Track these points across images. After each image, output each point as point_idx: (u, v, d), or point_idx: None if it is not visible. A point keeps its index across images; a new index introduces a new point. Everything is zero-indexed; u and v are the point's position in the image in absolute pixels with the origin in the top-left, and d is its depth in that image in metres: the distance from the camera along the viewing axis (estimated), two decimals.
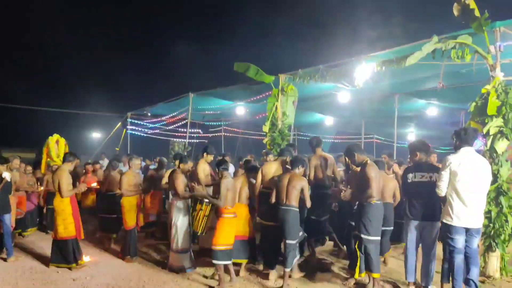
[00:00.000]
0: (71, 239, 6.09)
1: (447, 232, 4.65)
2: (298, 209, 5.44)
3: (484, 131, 5.61)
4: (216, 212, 5.61)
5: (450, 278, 4.79)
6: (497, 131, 5.55)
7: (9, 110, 19.82)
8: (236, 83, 11.30)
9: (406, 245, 5.06)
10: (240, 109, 13.76)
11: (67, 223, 6.07)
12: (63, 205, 6.09)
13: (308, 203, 5.53)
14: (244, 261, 5.89)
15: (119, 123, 15.90)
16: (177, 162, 6.47)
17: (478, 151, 5.13)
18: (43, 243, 7.44)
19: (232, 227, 5.51)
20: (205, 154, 6.98)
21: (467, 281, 4.63)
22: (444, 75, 7.15)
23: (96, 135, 24.57)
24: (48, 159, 10.55)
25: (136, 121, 15.83)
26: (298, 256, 5.64)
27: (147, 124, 15.98)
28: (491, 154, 5.62)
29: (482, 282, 5.36)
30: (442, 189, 4.68)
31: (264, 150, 9.42)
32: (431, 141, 18.36)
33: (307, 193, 5.49)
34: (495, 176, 5.51)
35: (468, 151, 4.67)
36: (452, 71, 7.90)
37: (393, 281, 5.57)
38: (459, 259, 4.61)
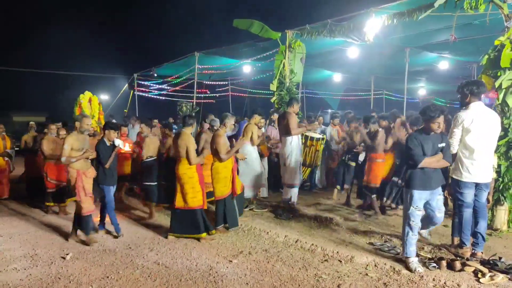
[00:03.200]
0: (200, 208, 5.71)
1: (456, 187, 4.70)
2: None
3: (496, 84, 5.50)
4: None
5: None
6: (510, 84, 5.43)
7: (15, 74, 19.80)
8: (242, 41, 11.08)
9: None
10: (247, 68, 13.58)
11: (196, 191, 5.67)
12: (191, 172, 5.65)
13: None
14: None
15: (126, 85, 15.84)
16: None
17: (488, 105, 5.06)
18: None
19: None
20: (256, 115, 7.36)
21: (474, 234, 4.72)
22: (457, 27, 6.91)
23: (103, 97, 24.55)
24: None
25: (142, 82, 15.75)
26: None
27: (154, 85, 15.90)
28: (502, 108, 5.53)
29: (489, 235, 5.46)
30: (455, 146, 4.66)
31: (271, 110, 9.38)
32: (442, 95, 18.21)
33: None
34: (506, 130, 5.46)
35: (479, 106, 4.60)
36: (464, 23, 7.62)
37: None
38: (467, 213, 4.68)
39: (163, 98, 16.42)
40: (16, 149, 9.03)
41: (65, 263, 4.82)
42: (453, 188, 4.79)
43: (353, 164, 7.68)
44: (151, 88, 16.05)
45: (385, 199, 6.73)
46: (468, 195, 4.63)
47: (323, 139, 8.15)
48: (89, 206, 5.51)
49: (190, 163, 5.59)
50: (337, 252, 5.07)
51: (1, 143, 8.31)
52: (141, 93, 15.92)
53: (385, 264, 4.64)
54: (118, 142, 6.06)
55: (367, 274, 4.41)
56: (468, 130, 4.53)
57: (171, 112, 16.86)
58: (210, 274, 4.46)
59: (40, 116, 24.82)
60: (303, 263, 4.78)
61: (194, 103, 13.45)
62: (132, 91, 15.63)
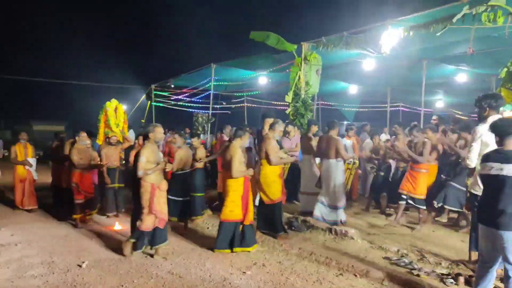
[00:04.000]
0: (232, 222, 5.62)
1: (475, 202, 4.61)
2: None
3: None
4: None
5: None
6: None
7: (35, 83, 20.32)
8: (258, 53, 11.17)
9: None
10: (263, 79, 13.65)
11: (235, 205, 5.62)
12: (236, 185, 5.62)
13: None
14: None
15: (144, 95, 16.08)
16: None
17: None
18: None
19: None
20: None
21: None
22: (475, 40, 6.85)
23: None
24: (107, 129, 9.04)
25: (160, 93, 15.98)
26: None
27: (171, 96, 16.10)
28: None
29: None
30: (473, 160, 4.60)
31: (287, 121, 9.39)
32: (461, 108, 17.94)
33: None
34: None
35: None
36: (483, 35, 7.54)
37: None
38: None
39: (180, 109, 16.61)
40: (36, 157, 8.93)
41: (81, 271, 4.88)
42: (471, 203, 4.71)
43: (382, 174, 8.12)
44: (168, 98, 16.26)
45: (435, 202, 6.72)
46: None
47: (354, 163, 8.33)
48: (149, 224, 5.27)
49: (232, 175, 5.56)
50: (352, 266, 5.02)
51: (23, 151, 8.27)
52: (158, 104, 16.14)
53: (401, 278, 4.56)
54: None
55: None
56: (487, 144, 4.46)
57: (187, 123, 17.06)
58: (223, 285, 4.45)
59: (59, 125, 25.38)
60: (317, 276, 4.73)
61: (210, 114, 13.56)
62: (149, 102, 15.85)
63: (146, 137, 5.53)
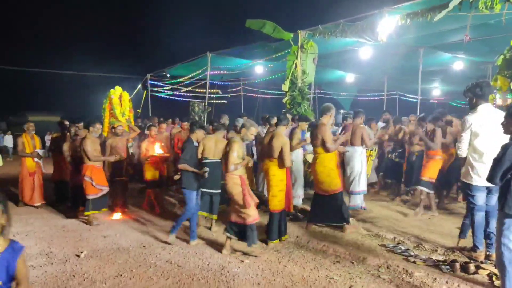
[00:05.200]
0: (283, 210, 5.59)
1: (468, 191, 4.66)
2: None
3: None
4: None
5: (469, 234, 4.85)
6: None
7: (30, 74, 20.15)
8: (254, 41, 11.11)
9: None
10: (259, 68, 13.60)
11: (283, 195, 5.55)
12: (282, 175, 5.52)
13: None
14: None
15: (139, 85, 15.99)
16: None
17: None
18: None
19: None
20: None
21: (488, 235, 4.66)
22: (471, 27, 6.84)
23: None
24: (112, 119, 8.51)
25: (156, 83, 15.89)
26: None
27: (167, 86, 16.02)
28: None
29: None
30: (464, 150, 4.65)
31: (283, 110, 9.38)
32: (457, 97, 17.97)
33: None
34: None
35: (486, 108, 4.54)
36: (479, 23, 7.53)
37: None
38: (479, 216, 4.62)
39: (176, 98, 16.54)
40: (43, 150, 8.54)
41: (79, 261, 4.90)
42: (464, 191, 4.75)
43: (397, 160, 8.39)
44: (164, 88, 16.18)
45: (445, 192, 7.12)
46: (480, 198, 4.58)
47: (374, 150, 8.35)
48: (255, 214, 5.08)
49: (284, 165, 5.40)
50: (349, 253, 5.06)
51: (31, 143, 7.72)
52: (154, 94, 16.06)
53: (397, 266, 4.61)
54: (157, 148, 6.35)
55: (379, 276, 4.38)
56: (476, 134, 4.48)
57: (183, 113, 16.98)
58: (222, 274, 4.49)
59: (54, 116, 25.24)
60: (314, 264, 4.77)
61: (206, 104, 13.52)
62: (145, 92, 15.77)
63: (237, 132, 5.54)
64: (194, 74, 14.04)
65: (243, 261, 4.87)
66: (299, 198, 7.37)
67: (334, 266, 4.69)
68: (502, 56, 5.67)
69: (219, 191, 6.16)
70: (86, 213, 6.50)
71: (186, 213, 5.57)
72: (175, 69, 14.94)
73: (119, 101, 8.53)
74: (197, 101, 14.46)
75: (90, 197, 6.45)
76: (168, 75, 15.66)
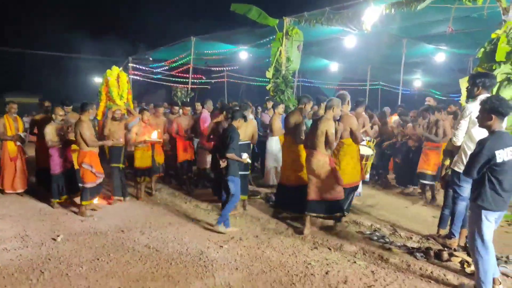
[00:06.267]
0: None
1: (456, 180, 4.66)
2: None
3: None
4: None
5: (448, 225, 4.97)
6: (504, 78, 5.44)
7: (8, 54, 19.52)
8: (239, 27, 11.00)
9: (484, 242, 3.58)
10: (243, 54, 13.51)
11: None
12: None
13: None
14: None
15: (121, 68, 15.68)
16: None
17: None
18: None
19: None
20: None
21: (464, 225, 4.75)
22: (454, 19, 6.92)
23: (97, 80, 24.34)
24: (109, 102, 7.75)
25: (137, 66, 15.60)
26: None
27: (149, 69, 15.76)
28: None
29: None
30: (459, 138, 4.58)
31: (267, 97, 9.34)
32: (438, 88, 18.23)
33: None
34: None
35: None
36: (462, 15, 7.61)
37: None
38: (462, 206, 4.69)
39: (158, 82, 16.30)
40: (26, 133, 7.65)
41: (55, 245, 4.83)
42: (452, 180, 4.77)
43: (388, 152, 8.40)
44: (146, 72, 15.91)
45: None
46: (466, 190, 4.54)
47: (373, 155, 7.71)
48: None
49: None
50: (327, 240, 5.13)
51: (13, 125, 7.04)
52: (135, 77, 15.78)
53: (373, 252, 4.70)
54: (154, 135, 6.16)
55: (355, 262, 4.46)
56: (475, 122, 4.46)
57: (166, 97, 16.79)
58: (200, 259, 4.49)
59: (34, 97, 24.59)
60: (293, 250, 4.82)
61: (189, 89, 13.38)
62: (126, 75, 15.47)
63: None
64: (177, 58, 13.85)
65: (222, 246, 4.88)
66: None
67: (312, 252, 4.74)
68: (482, 49, 5.74)
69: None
70: (84, 202, 6.05)
71: (234, 199, 5.49)
72: (158, 53, 14.70)
73: (117, 83, 7.73)
74: (180, 86, 14.31)
75: (88, 185, 6.04)
76: (151, 59, 15.40)
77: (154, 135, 7.01)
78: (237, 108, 6.58)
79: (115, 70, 7.90)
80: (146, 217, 6.04)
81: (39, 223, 5.66)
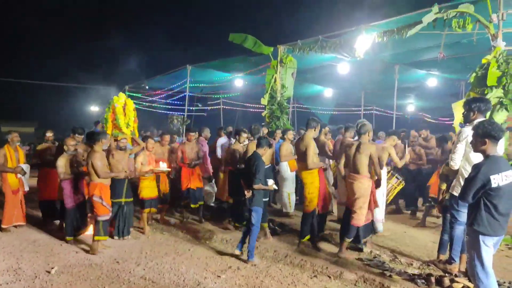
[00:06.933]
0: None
1: (454, 204, 4.65)
2: None
3: None
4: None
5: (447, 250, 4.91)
6: (497, 102, 5.53)
7: (3, 83, 19.62)
8: (234, 55, 11.17)
9: (484, 268, 3.51)
10: (239, 82, 13.65)
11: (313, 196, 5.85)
12: (312, 177, 5.86)
13: None
14: None
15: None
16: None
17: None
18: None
19: None
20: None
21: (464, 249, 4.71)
22: (445, 45, 7.07)
23: (94, 108, 24.46)
24: (115, 130, 7.36)
25: (134, 94, 15.72)
26: None
27: (146, 98, 15.88)
28: None
29: None
30: (457, 162, 4.58)
31: (262, 123, 9.40)
32: (431, 112, 18.43)
33: None
34: None
35: None
36: (453, 41, 7.80)
37: None
38: (459, 230, 4.67)
39: (154, 110, 16.39)
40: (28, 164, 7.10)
41: (49, 277, 4.71)
42: (450, 205, 4.75)
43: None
44: (143, 100, 16.02)
45: None
46: (464, 214, 4.46)
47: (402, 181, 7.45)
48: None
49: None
50: (326, 267, 5.05)
51: (14, 156, 6.65)
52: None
53: (374, 280, 4.62)
54: (163, 165, 6.23)
55: None
56: (471, 146, 4.50)
57: (162, 125, 16.82)
58: None
59: (29, 126, 24.58)
60: (292, 278, 4.73)
61: (186, 116, 13.44)
62: (133, 102, 15.56)
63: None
64: (173, 86, 13.97)
65: (219, 276, 4.79)
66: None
67: (311, 281, 4.66)
68: (474, 74, 5.85)
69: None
70: (97, 237, 5.68)
71: (256, 230, 5.39)
72: (154, 81, 14.84)
73: (123, 111, 7.34)
74: (176, 114, 14.38)
75: (101, 218, 5.73)
76: (147, 87, 15.53)
77: (163, 166, 6.82)
78: (263, 135, 6.77)
79: (122, 96, 7.51)
80: (142, 247, 5.94)
81: (33, 255, 5.54)
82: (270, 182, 5.54)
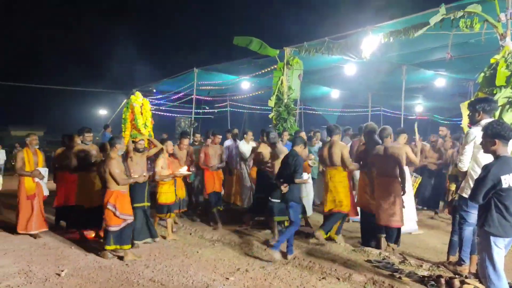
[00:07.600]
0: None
1: (464, 206, 4.62)
2: None
3: None
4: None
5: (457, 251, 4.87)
6: (506, 102, 5.46)
7: (13, 88, 19.86)
8: (240, 57, 11.20)
9: (496, 270, 3.47)
10: (245, 84, 13.68)
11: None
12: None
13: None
14: None
15: (125, 100, 15.91)
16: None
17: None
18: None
19: None
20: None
21: (473, 250, 4.67)
22: (453, 45, 7.00)
23: (102, 112, 24.66)
24: (134, 131, 6.87)
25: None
26: None
27: (153, 101, 15.96)
28: None
29: None
30: (465, 164, 4.56)
31: (269, 125, 9.38)
32: (439, 112, 18.31)
33: None
34: None
35: None
36: (460, 41, 7.73)
37: None
38: (468, 231, 4.64)
39: (162, 113, 16.48)
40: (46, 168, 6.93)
41: (60, 280, 4.76)
42: (459, 206, 4.72)
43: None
44: (150, 103, 16.10)
45: None
46: (473, 216, 4.45)
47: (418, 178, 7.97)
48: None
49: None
50: (335, 269, 5.03)
51: (32, 159, 6.45)
52: None
53: (383, 282, 4.60)
54: (183, 169, 6.35)
55: None
56: (479, 147, 4.46)
57: (170, 128, 16.94)
58: None
59: (38, 130, 24.87)
60: (300, 280, 4.73)
61: (193, 119, 13.49)
62: (149, 102, 15.63)
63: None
64: (181, 89, 14.04)
65: (228, 278, 4.79)
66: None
67: (320, 283, 4.65)
68: (482, 74, 5.80)
69: None
70: (107, 247, 5.48)
71: (294, 227, 5.65)
72: (162, 84, 14.92)
73: (140, 110, 6.88)
74: (183, 116, 14.46)
75: (111, 228, 5.44)
76: (154, 90, 15.61)
77: (183, 170, 6.70)
78: (299, 134, 7.23)
79: (139, 96, 7.06)
80: (150, 250, 5.97)
81: (43, 258, 5.59)
82: (305, 176, 5.75)
